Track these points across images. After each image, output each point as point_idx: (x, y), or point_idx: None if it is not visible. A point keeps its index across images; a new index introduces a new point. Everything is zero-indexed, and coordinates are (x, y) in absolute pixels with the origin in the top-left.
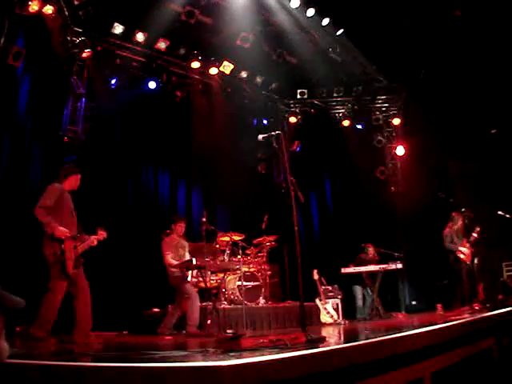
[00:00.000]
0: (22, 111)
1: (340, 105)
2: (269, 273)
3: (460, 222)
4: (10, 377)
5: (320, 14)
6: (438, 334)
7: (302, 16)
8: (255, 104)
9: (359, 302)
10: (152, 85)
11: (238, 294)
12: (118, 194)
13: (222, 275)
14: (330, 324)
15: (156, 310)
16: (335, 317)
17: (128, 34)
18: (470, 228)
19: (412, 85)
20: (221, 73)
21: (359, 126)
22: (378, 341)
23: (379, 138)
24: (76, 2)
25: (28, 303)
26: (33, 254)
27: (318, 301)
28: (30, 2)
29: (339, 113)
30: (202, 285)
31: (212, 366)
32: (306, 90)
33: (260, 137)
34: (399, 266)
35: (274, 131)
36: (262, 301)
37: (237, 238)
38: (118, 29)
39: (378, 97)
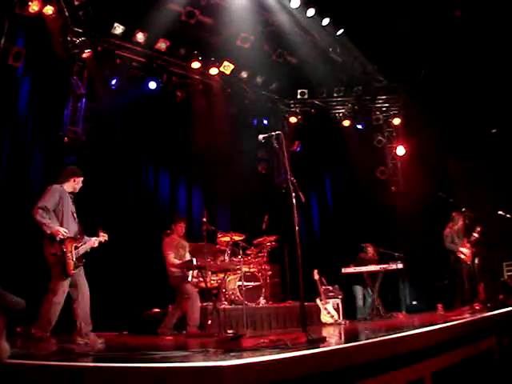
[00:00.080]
0: (22, 111)
1: (340, 105)
2: (269, 273)
3: (460, 222)
4: (11, 377)
5: (320, 14)
6: (438, 334)
7: (302, 16)
8: (255, 104)
9: (360, 302)
10: (152, 85)
11: (238, 294)
12: (118, 195)
13: (222, 275)
14: (331, 324)
15: (156, 310)
16: (336, 317)
17: (128, 34)
18: (470, 228)
19: (412, 85)
20: (221, 73)
21: (359, 126)
22: (378, 341)
23: (379, 137)
24: (76, 3)
25: (29, 303)
26: (33, 254)
27: (318, 301)
28: (30, 3)
29: (339, 113)
30: (203, 285)
31: (213, 366)
32: (306, 90)
33: (260, 137)
34: (400, 265)
35: (275, 131)
36: (262, 301)
37: (237, 238)
38: (118, 29)
39: (379, 97)
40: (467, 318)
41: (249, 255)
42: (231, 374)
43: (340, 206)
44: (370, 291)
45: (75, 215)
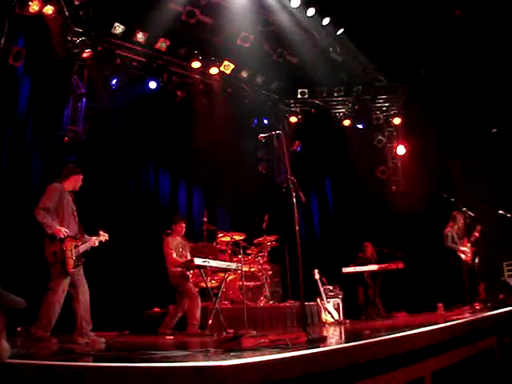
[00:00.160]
0: (22, 111)
1: (340, 104)
2: (270, 272)
3: (461, 222)
4: (11, 377)
5: (320, 14)
6: (438, 334)
7: (303, 16)
8: (256, 104)
9: (360, 302)
10: (152, 85)
11: (238, 293)
12: (119, 194)
13: (222, 275)
14: (331, 324)
15: (157, 309)
16: (336, 317)
17: (128, 34)
18: (470, 227)
19: (412, 84)
20: (221, 73)
21: (360, 126)
22: (378, 341)
23: (380, 137)
24: (76, 2)
25: (29, 303)
26: (33, 254)
27: (318, 300)
28: (30, 3)
29: (340, 112)
30: (203, 285)
31: (213, 366)
32: (306, 90)
33: (261, 136)
34: (400, 265)
35: (275, 131)
36: (262, 301)
37: (238, 237)
38: (119, 29)
39: (379, 96)
40: (467, 317)
41: (249, 255)
42: (232, 374)
43: (340, 206)
44: (370, 291)
45: (75, 214)
